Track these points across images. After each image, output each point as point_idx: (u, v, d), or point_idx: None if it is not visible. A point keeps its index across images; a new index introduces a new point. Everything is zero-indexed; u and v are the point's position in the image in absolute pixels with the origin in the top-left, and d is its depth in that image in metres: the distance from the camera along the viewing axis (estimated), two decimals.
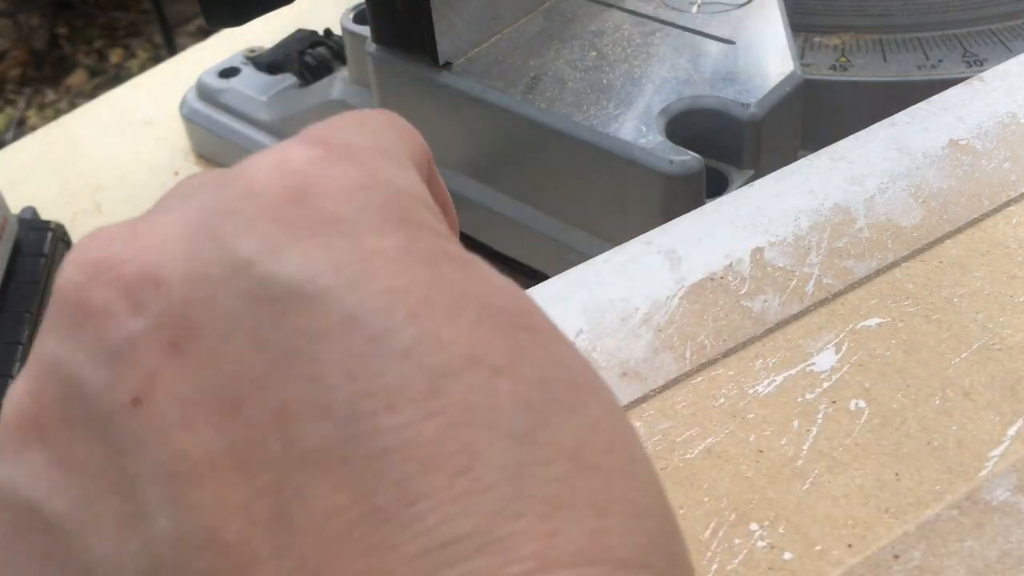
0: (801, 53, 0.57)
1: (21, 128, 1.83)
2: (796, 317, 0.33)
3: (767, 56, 0.53)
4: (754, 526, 0.27)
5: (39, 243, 0.61)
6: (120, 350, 0.16)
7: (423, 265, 0.17)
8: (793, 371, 0.31)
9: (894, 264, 0.35)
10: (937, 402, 0.30)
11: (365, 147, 0.19)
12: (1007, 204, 0.37)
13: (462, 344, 0.16)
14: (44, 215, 0.66)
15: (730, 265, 0.35)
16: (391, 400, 0.15)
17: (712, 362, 0.32)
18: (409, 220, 0.18)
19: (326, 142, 0.19)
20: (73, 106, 1.42)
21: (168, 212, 0.18)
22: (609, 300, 0.34)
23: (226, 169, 0.19)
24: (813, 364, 0.32)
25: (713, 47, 0.54)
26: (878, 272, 0.35)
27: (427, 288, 0.16)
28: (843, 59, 0.57)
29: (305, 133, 0.20)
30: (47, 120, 1.62)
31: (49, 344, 0.17)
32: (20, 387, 0.17)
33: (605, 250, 0.37)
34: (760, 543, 0.27)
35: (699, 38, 0.55)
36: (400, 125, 0.22)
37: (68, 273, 0.17)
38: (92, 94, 1.76)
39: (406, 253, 0.17)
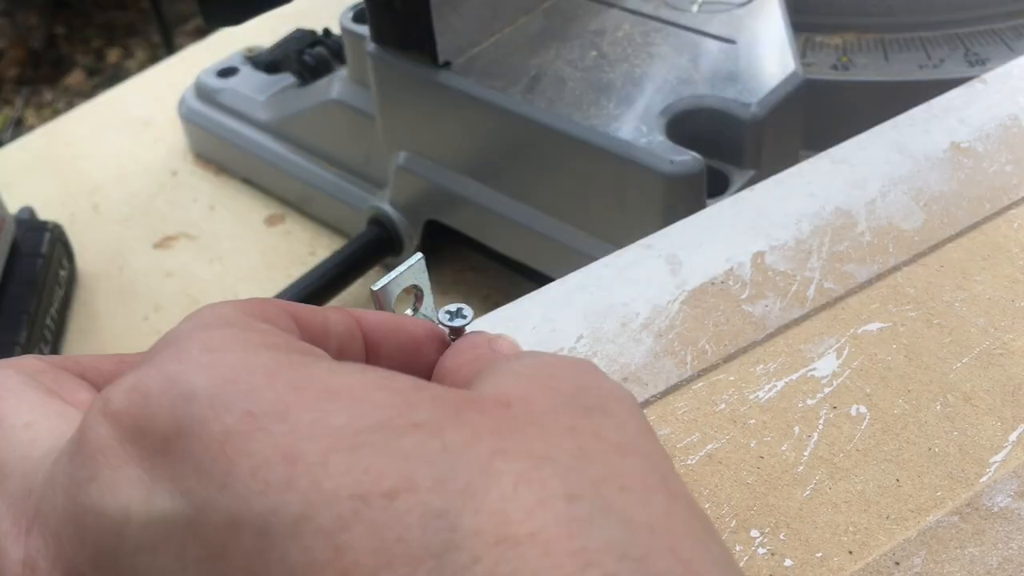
0: (802, 53, 0.57)
1: (19, 128, 1.83)
2: (797, 322, 0.33)
3: (768, 56, 0.53)
4: (755, 532, 0.27)
5: (37, 243, 0.61)
6: None
7: (274, 419, 0.17)
8: (794, 376, 0.31)
9: (895, 268, 0.35)
10: (938, 407, 0.30)
11: (183, 334, 0.19)
12: (1008, 207, 0.37)
13: (345, 485, 0.16)
14: (42, 215, 0.65)
15: (731, 269, 0.35)
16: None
17: (713, 367, 0.32)
18: (237, 373, 0.17)
19: (144, 361, 0.19)
20: (71, 106, 1.42)
21: (46, 501, 0.19)
22: (609, 305, 0.34)
23: (68, 441, 0.19)
24: (814, 369, 0.31)
25: (714, 46, 0.54)
26: (879, 276, 0.35)
27: (289, 442, 0.16)
28: (845, 59, 0.57)
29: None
30: (45, 120, 1.62)
31: None
32: None
33: (605, 250, 0.37)
34: (761, 550, 0.27)
35: (700, 37, 0.55)
36: (237, 304, 0.21)
37: None
38: (90, 94, 1.75)
39: (252, 416, 0.17)
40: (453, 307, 0.30)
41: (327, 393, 0.17)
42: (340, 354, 0.23)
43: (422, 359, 0.25)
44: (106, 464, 0.17)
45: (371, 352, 0.24)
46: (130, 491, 0.17)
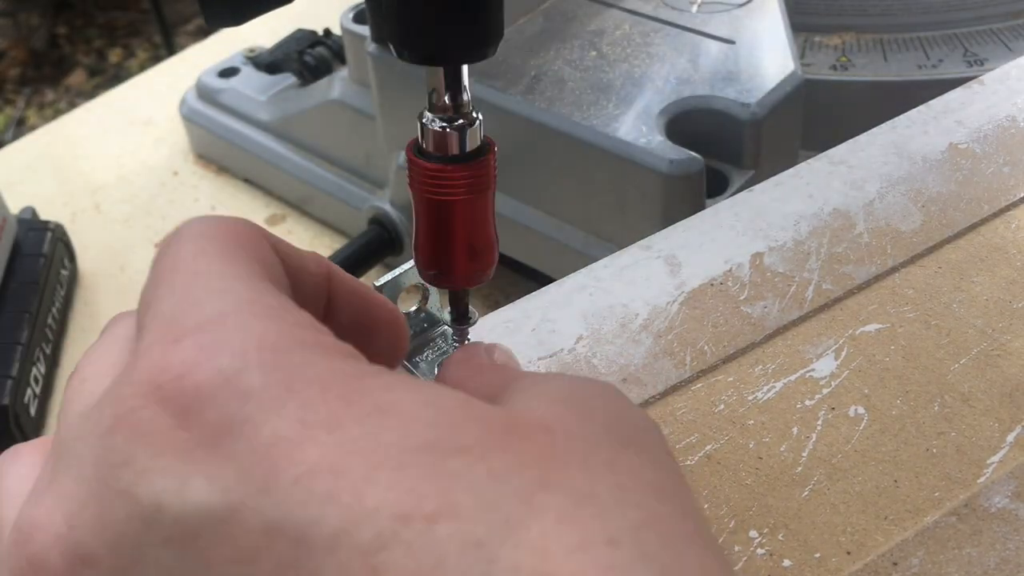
0: (801, 53, 0.57)
1: (20, 128, 1.83)
2: (796, 323, 0.33)
3: (767, 56, 0.53)
4: (754, 533, 0.27)
5: (38, 243, 0.61)
6: None
7: (325, 430, 0.16)
8: (793, 377, 0.31)
9: (893, 269, 0.35)
10: (936, 408, 0.30)
11: (219, 312, 0.18)
12: (1007, 208, 0.37)
13: (387, 503, 0.15)
14: (43, 215, 0.65)
15: (730, 271, 0.35)
16: None
17: (712, 368, 0.32)
18: (294, 379, 0.17)
19: (180, 335, 0.18)
20: (73, 106, 1.42)
21: (66, 472, 0.18)
22: (609, 306, 0.34)
23: (97, 408, 0.18)
24: (813, 370, 0.32)
25: (713, 47, 0.54)
26: (877, 278, 0.35)
27: (336, 454, 0.16)
28: (843, 59, 0.57)
29: (156, 328, 0.18)
30: (46, 120, 1.62)
31: None
32: None
33: (605, 250, 0.37)
34: (760, 550, 0.27)
35: (699, 38, 0.55)
36: (230, 238, 0.20)
37: None
38: (92, 94, 1.76)
39: (304, 425, 0.16)
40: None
41: (377, 409, 0.17)
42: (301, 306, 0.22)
43: (377, 342, 0.25)
44: (145, 449, 0.17)
45: (329, 314, 0.24)
46: (166, 481, 0.16)
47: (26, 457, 0.20)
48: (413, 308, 0.33)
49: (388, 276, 0.31)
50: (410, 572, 0.15)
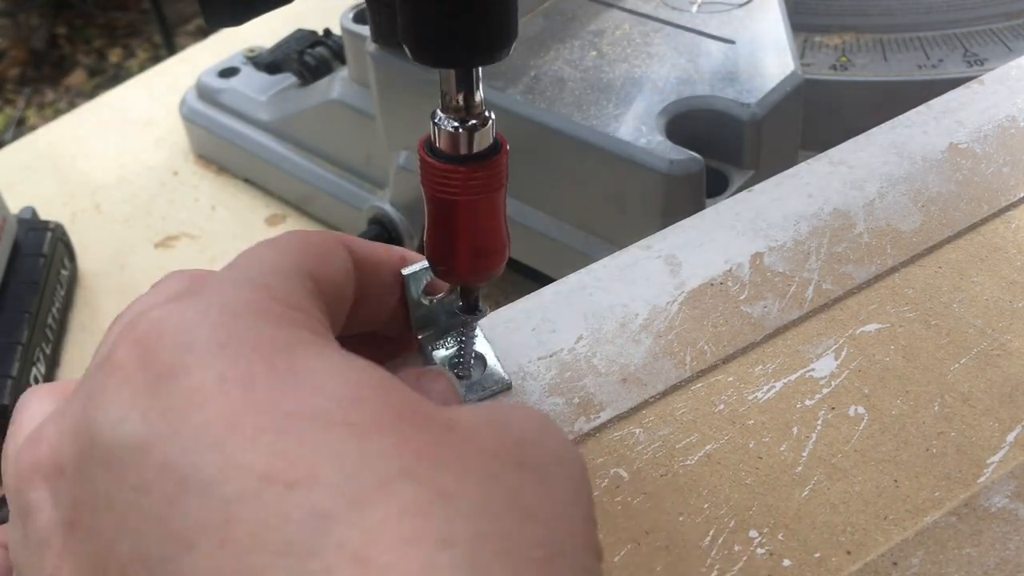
0: (801, 53, 0.57)
1: (20, 128, 1.83)
2: (796, 323, 0.33)
3: (767, 56, 0.53)
4: (754, 533, 0.27)
5: (38, 243, 0.61)
6: (43, 538, 0.19)
7: (240, 387, 0.18)
8: (793, 377, 0.31)
9: (893, 269, 0.35)
10: (936, 408, 0.30)
11: (218, 280, 0.21)
12: (1006, 208, 0.37)
13: (259, 463, 0.17)
14: (43, 215, 0.66)
15: (730, 270, 0.35)
16: (191, 538, 0.16)
17: (712, 368, 0.32)
18: (232, 339, 0.19)
19: (170, 290, 0.21)
20: (73, 106, 1.42)
21: (74, 397, 0.20)
22: (609, 306, 0.34)
23: (101, 343, 0.21)
24: (812, 370, 0.32)
25: (713, 47, 0.54)
26: (877, 277, 0.35)
27: (237, 410, 0.17)
28: (844, 59, 0.57)
29: (167, 283, 0.22)
30: (46, 120, 1.62)
31: (12, 535, 0.20)
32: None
33: (605, 250, 0.37)
34: (760, 550, 0.27)
35: (699, 38, 0.55)
36: (284, 243, 0.23)
37: (9, 475, 0.21)
38: (92, 94, 1.76)
39: (222, 380, 0.18)
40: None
41: (293, 374, 0.18)
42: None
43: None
44: (113, 381, 0.19)
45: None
46: (115, 411, 0.18)
47: (45, 394, 0.23)
48: (437, 297, 0.33)
49: (415, 267, 0.32)
50: (253, 530, 0.16)
